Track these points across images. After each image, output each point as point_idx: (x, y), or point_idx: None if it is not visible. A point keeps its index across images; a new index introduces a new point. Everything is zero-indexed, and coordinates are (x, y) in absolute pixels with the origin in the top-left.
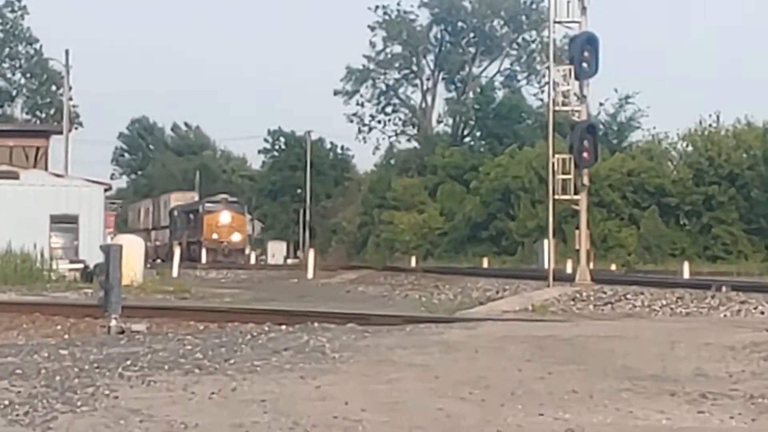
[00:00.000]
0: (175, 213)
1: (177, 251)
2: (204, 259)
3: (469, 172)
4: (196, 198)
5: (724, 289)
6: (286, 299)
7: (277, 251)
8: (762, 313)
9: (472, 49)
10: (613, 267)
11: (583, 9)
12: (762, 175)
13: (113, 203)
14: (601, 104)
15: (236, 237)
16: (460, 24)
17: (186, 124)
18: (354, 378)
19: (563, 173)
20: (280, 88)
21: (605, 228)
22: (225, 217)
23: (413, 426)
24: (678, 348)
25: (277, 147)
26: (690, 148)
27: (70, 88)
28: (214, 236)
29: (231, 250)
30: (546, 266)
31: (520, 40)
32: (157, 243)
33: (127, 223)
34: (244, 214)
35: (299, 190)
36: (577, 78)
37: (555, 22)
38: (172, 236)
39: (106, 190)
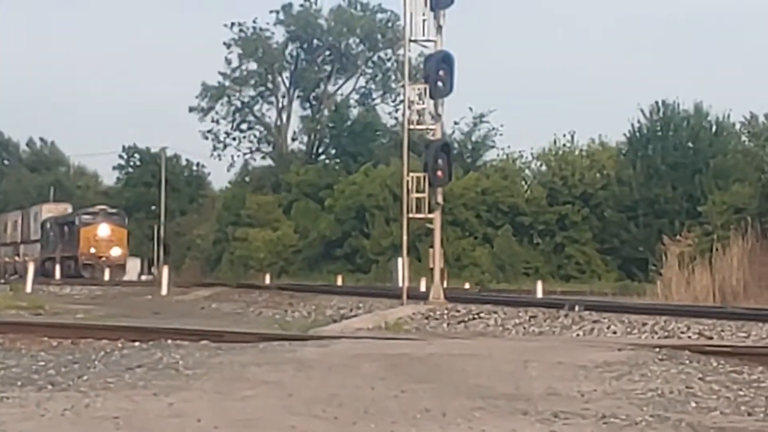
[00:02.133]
0: (48, 225)
1: (31, 267)
2: (58, 275)
3: (324, 189)
4: (70, 210)
5: (576, 308)
6: (139, 316)
7: (131, 268)
8: (614, 332)
9: (327, 67)
10: (467, 286)
11: (439, 28)
12: (615, 194)
13: None
14: (455, 123)
15: (116, 252)
16: (315, 42)
17: (41, 140)
18: (207, 395)
19: (417, 192)
20: (135, 104)
21: (459, 246)
22: (103, 229)
23: None
24: (531, 367)
25: (131, 163)
26: (544, 168)
27: None
28: (92, 250)
29: (110, 266)
30: (400, 284)
31: (375, 58)
32: (26, 257)
33: None
34: (124, 227)
35: (154, 207)
36: (432, 97)
37: (410, 40)
38: (44, 250)
39: None
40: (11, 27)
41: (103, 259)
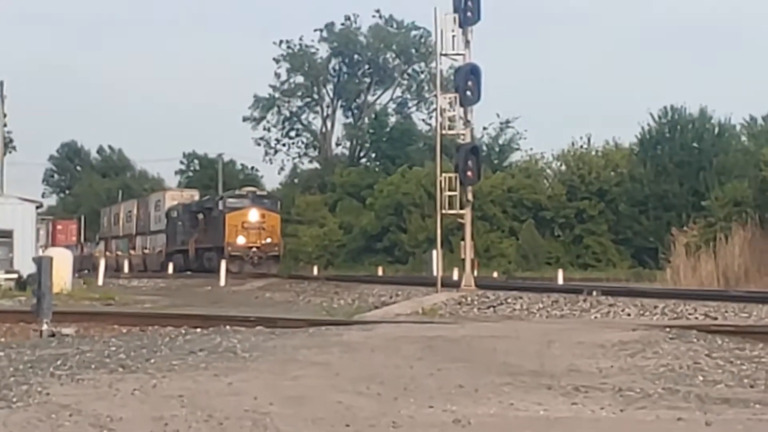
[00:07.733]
0: (175, 213)
1: (102, 262)
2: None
3: (365, 189)
4: (197, 196)
5: (594, 293)
6: (200, 305)
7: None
8: (628, 314)
9: (367, 80)
10: (495, 274)
11: (467, 42)
12: (628, 191)
13: (44, 219)
14: (484, 128)
15: (269, 240)
16: (356, 56)
17: (110, 147)
18: (262, 375)
19: (450, 190)
20: (194, 114)
21: (488, 239)
22: (254, 214)
23: (316, 417)
24: (554, 346)
25: (191, 168)
26: (563, 167)
27: (5, 116)
28: (240, 240)
29: (261, 258)
30: (435, 274)
31: (410, 71)
32: (146, 251)
33: (100, 230)
34: (277, 212)
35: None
36: (462, 105)
37: (442, 54)
38: (170, 242)
39: (37, 208)
40: (79, 45)
41: (253, 249)
